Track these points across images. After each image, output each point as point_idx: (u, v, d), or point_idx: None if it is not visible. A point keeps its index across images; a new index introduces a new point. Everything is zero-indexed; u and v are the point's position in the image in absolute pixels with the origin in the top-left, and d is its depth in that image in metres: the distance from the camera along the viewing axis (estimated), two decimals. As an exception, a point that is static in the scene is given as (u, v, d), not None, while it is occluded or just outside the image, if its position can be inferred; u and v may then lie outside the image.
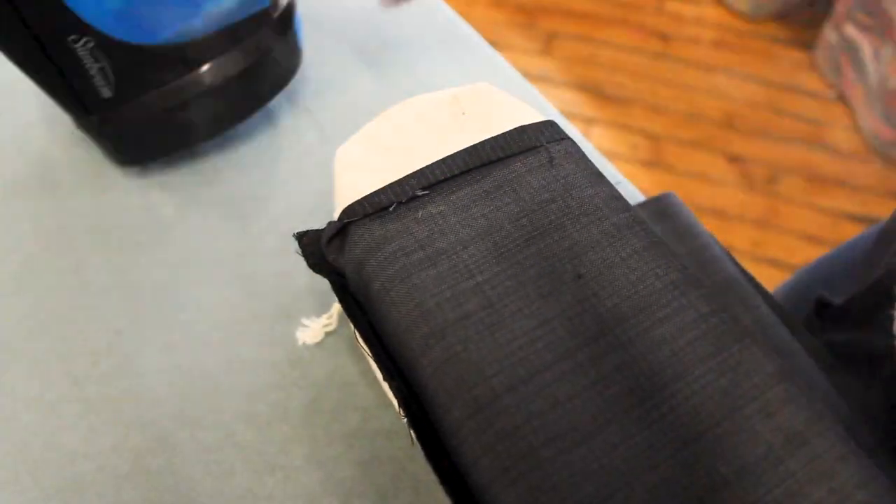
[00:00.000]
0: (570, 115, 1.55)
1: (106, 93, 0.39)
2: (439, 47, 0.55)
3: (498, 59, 0.55)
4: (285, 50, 0.46)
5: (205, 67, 0.42)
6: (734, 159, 1.48)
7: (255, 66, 0.44)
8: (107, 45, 0.37)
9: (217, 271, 0.42)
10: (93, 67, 0.38)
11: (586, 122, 1.56)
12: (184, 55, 0.40)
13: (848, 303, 0.42)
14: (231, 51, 0.43)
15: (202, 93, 0.42)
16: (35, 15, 0.35)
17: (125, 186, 0.46)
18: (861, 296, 0.42)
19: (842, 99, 1.59)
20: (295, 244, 0.43)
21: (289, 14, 0.46)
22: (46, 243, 0.43)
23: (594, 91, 1.61)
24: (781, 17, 1.80)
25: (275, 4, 0.44)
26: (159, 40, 0.39)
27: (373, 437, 0.36)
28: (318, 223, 0.44)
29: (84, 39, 0.36)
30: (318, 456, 0.35)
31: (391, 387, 0.24)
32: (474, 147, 0.28)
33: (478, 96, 0.32)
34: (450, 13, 0.58)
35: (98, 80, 0.38)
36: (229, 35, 0.42)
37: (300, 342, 0.39)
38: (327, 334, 0.39)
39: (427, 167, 0.28)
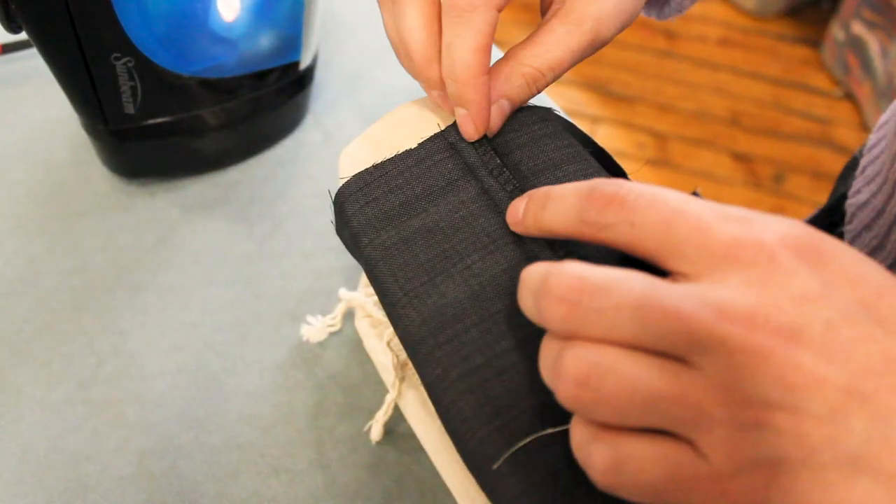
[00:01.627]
0: (575, 114, 1.55)
1: (129, 109, 0.41)
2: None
3: (503, 58, 0.55)
4: (300, 103, 0.48)
5: (226, 105, 0.44)
6: (740, 158, 1.47)
7: (272, 113, 0.46)
8: (144, 67, 0.39)
9: (221, 273, 0.42)
10: (125, 85, 0.39)
11: (592, 120, 1.55)
12: (210, 90, 0.42)
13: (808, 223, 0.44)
14: (254, 94, 0.44)
15: (216, 127, 0.44)
16: (88, 28, 0.36)
17: (130, 188, 0.46)
18: (818, 216, 0.45)
19: (849, 97, 1.58)
20: (297, 245, 0.43)
21: (311, 71, 0.48)
22: (51, 245, 0.43)
23: (600, 90, 1.60)
24: (788, 14, 1.79)
25: (303, 60, 0.46)
26: (192, 71, 0.41)
27: (378, 439, 0.35)
28: (323, 225, 0.44)
29: (126, 59, 0.38)
30: (322, 459, 0.35)
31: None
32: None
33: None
34: (455, 12, 0.58)
35: (126, 97, 0.40)
36: (256, 79, 0.44)
37: (304, 338, 0.39)
38: (331, 334, 0.39)
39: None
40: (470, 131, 0.29)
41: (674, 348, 0.19)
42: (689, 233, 0.20)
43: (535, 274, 0.21)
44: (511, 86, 0.28)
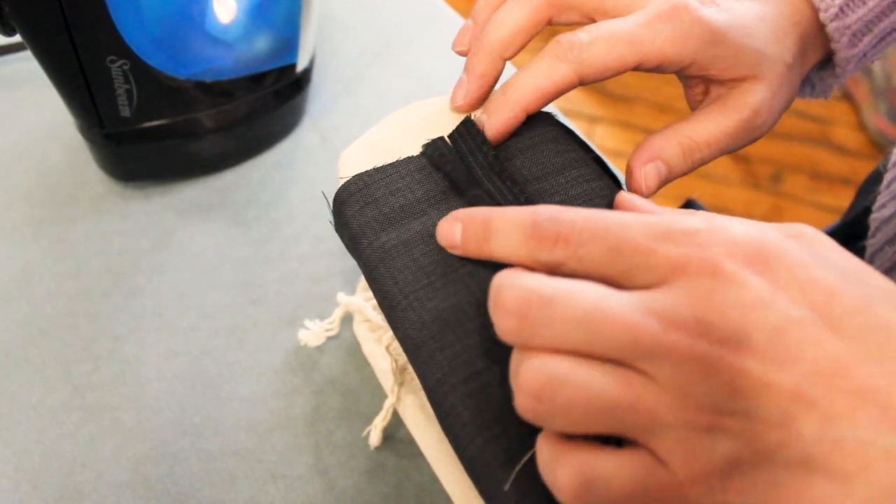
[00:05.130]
0: (573, 114, 1.55)
1: (125, 112, 0.40)
2: (442, 49, 0.55)
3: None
4: (297, 105, 0.48)
5: (223, 108, 0.43)
6: (738, 158, 1.47)
7: (268, 116, 0.46)
8: (140, 70, 0.39)
9: (218, 277, 0.41)
10: (121, 88, 0.39)
11: (590, 120, 1.55)
12: (207, 92, 0.42)
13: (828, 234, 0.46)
14: (250, 97, 0.44)
15: (213, 130, 0.44)
16: (83, 31, 0.36)
17: (126, 192, 0.45)
18: (840, 228, 0.46)
19: (846, 96, 1.58)
20: (294, 249, 0.43)
21: (308, 73, 0.48)
22: (46, 249, 0.42)
23: (598, 90, 1.60)
24: (785, 14, 1.78)
25: (300, 62, 0.46)
26: (188, 74, 0.40)
27: (376, 445, 0.35)
28: (321, 228, 0.44)
29: (121, 61, 0.38)
30: (320, 464, 0.35)
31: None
32: None
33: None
34: (452, 14, 0.58)
35: (121, 100, 0.40)
36: (253, 82, 0.44)
37: (302, 343, 0.38)
38: (329, 339, 0.39)
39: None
40: (457, 97, 0.30)
41: (623, 357, 0.19)
42: (632, 258, 0.20)
43: (493, 286, 0.22)
44: (668, 152, 0.30)
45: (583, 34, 0.28)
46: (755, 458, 0.18)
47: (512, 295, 0.20)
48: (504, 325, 0.21)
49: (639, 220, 0.21)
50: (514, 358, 0.21)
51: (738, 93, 0.31)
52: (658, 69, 0.29)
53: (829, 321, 0.19)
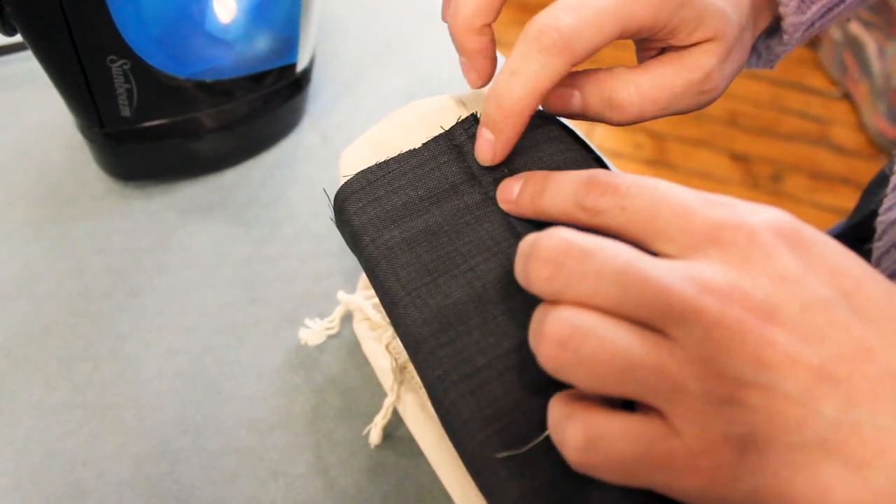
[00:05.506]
0: (573, 114, 1.55)
1: (125, 111, 0.40)
2: (442, 48, 0.55)
3: (501, 59, 0.54)
4: (297, 105, 0.48)
5: (223, 107, 0.43)
6: (738, 158, 1.47)
7: (269, 115, 0.46)
8: (140, 70, 0.39)
9: (219, 276, 0.42)
10: (121, 87, 0.39)
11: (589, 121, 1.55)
12: (207, 92, 0.42)
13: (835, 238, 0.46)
14: (251, 96, 0.44)
15: (213, 129, 0.44)
16: (83, 31, 0.36)
17: (126, 191, 0.45)
18: (846, 231, 0.45)
19: (846, 97, 1.58)
20: (294, 248, 0.43)
21: (308, 73, 0.48)
22: (47, 248, 0.42)
23: (597, 90, 1.60)
24: (785, 14, 1.78)
25: (300, 61, 0.46)
26: (188, 74, 0.41)
27: (377, 443, 0.35)
28: (321, 227, 0.44)
29: (122, 61, 0.38)
30: (321, 463, 0.35)
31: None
32: None
33: (483, 99, 0.31)
34: (452, 13, 0.58)
35: (122, 99, 0.40)
36: (253, 81, 0.44)
37: (302, 342, 0.38)
38: (330, 337, 0.39)
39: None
40: (486, 157, 0.28)
41: (653, 318, 0.19)
42: (673, 215, 0.21)
43: (528, 239, 0.22)
44: (593, 92, 0.29)
45: (565, 16, 0.25)
46: (772, 436, 0.18)
47: (551, 244, 0.20)
48: (538, 273, 0.21)
49: (685, 188, 0.21)
50: (539, 312, 0.21)
51: (694, 53, 0.29)
52: (631, 37, 0.28)
53: (855, 308, 0.19)
